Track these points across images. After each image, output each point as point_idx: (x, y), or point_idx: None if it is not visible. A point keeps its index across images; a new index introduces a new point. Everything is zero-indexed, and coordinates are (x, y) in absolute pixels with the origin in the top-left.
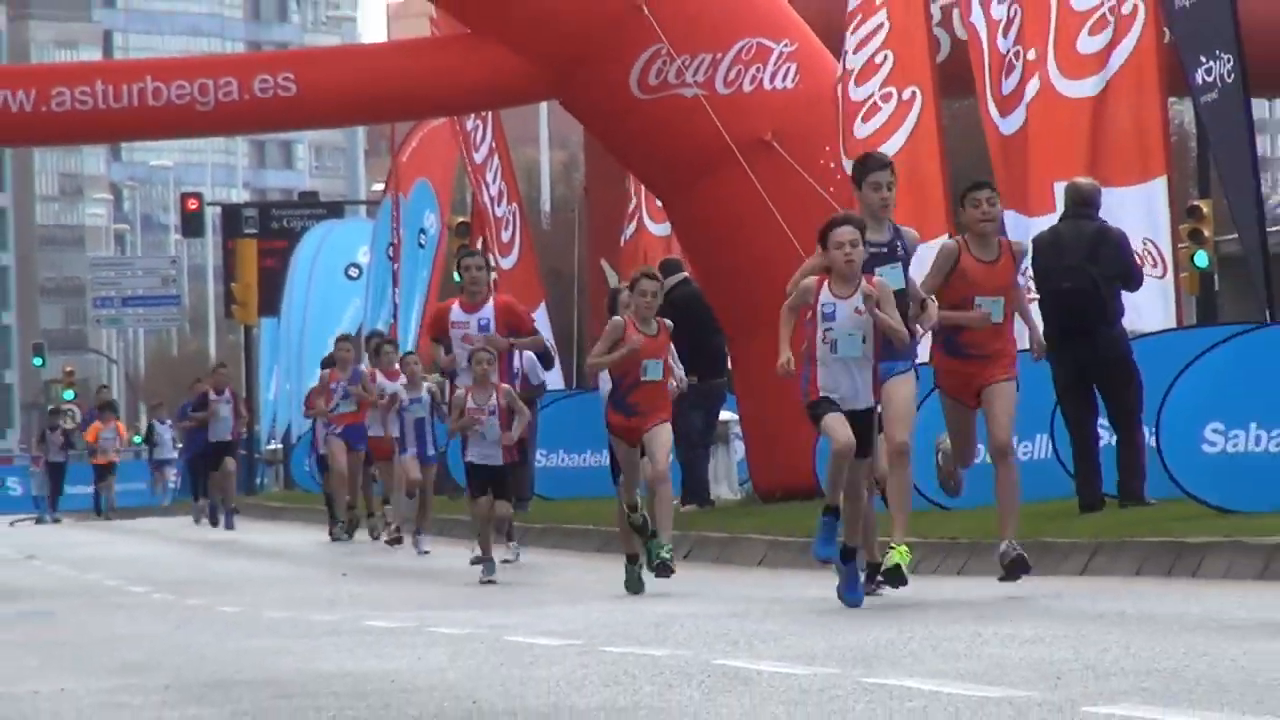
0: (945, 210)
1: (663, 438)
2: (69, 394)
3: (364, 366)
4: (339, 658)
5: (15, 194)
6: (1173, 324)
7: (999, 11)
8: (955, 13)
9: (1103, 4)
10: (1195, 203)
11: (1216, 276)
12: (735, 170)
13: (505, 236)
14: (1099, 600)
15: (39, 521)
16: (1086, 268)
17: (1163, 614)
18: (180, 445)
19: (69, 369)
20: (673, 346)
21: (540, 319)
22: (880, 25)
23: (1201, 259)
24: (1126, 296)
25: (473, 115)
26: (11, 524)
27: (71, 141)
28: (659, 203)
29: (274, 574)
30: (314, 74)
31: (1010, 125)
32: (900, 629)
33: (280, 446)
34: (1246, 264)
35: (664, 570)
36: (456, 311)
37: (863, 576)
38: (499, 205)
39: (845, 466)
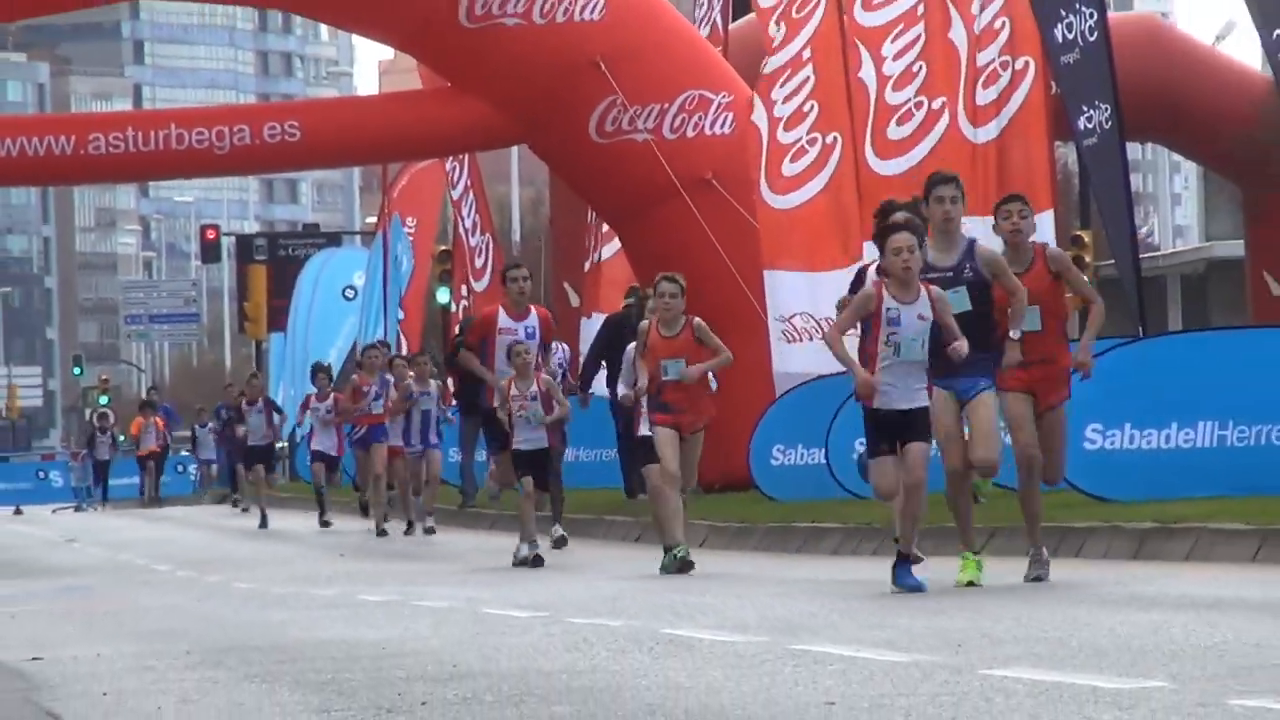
0: (860, 240)
1: (694, 454)
2: (104, 399)
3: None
4: (336, 627)
5: (57, 225)
6: None
7: (891, 68)
8: None
9: (1000, 59)
10: (1078, 232)
11: None
12: (680, 205)
13: (479, 263)
14: (994, 577)
15: (78, 509)
16: None
17: (1049, 589)
18: (219, 445)
19: (104, 377)
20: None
21: None
22: (807, 79)
23: None
24: None
25: (452, 157)
26: (53, 511)
27: (105, 181)
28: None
29: (281, 554)
30: (316, 122)
31: (893, 168)
32: (821, 602)
33: (285, 444)
34: (1122, 286)
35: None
36: (504, 319)
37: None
38: (474, 235)
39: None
